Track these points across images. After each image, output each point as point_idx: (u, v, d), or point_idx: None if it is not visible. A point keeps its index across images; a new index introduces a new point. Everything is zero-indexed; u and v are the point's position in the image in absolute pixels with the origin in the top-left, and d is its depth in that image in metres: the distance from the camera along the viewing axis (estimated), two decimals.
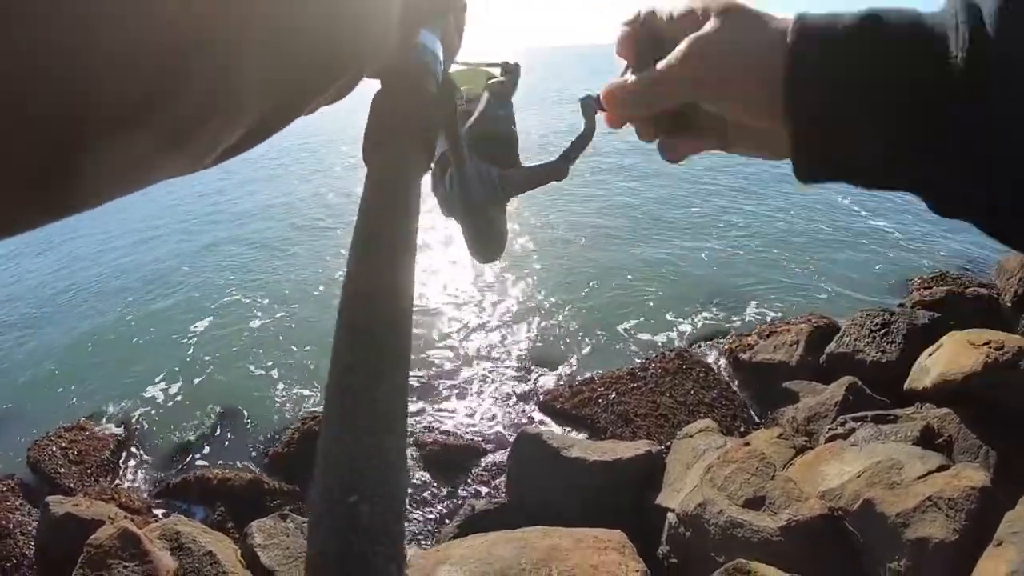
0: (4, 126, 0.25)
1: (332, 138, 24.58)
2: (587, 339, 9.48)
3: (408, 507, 6.31)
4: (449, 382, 8.62)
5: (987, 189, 0.59)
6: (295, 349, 9.83)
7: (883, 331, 6.69)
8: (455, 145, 0.63)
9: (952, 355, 5.56)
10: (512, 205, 0.91)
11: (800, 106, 0.63)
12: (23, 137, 0.26)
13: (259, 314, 10.99)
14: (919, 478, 4.24)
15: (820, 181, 0.67)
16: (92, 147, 0.29)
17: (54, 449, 7.68)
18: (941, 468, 4.31)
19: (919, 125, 0.59)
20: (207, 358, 9.75)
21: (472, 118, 0.91)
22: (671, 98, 0.73)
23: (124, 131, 0.30)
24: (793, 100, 0.63)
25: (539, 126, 25.96)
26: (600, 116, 0.82)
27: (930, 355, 5.88)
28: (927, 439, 4.95)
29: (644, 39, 0.77)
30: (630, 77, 0.77)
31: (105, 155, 0.30)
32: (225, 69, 0.36)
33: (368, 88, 0.63)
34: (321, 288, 11.85)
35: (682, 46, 0.69)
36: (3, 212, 0.29)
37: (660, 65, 0.72)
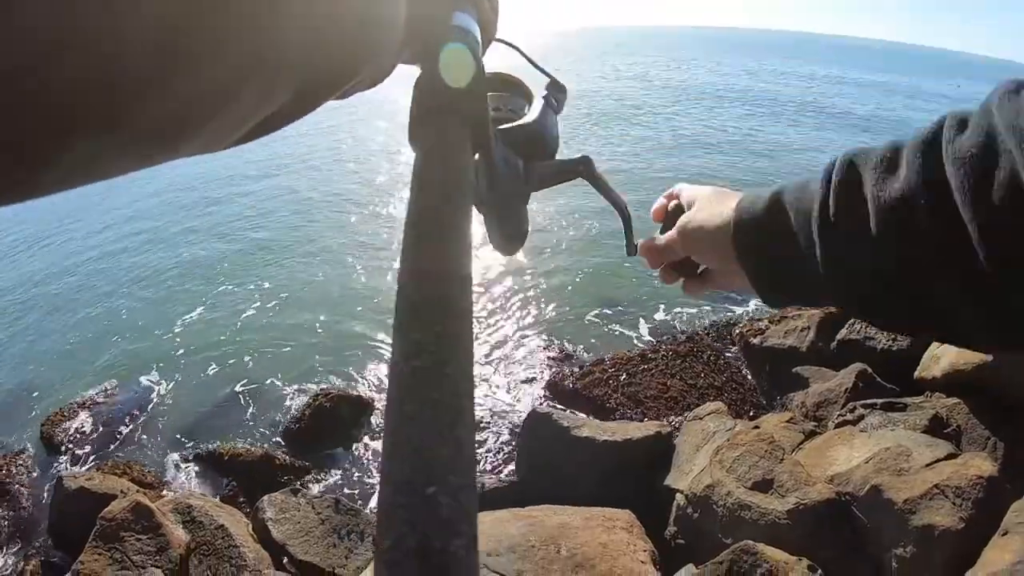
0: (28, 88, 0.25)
1: (340, 123, 24.51)
2: (598, 320, 9.50)
3: None
4: None
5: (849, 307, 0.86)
6: (306, 325, 9.87)
7: None
8: (482, 134, 0.61)
9: None
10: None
11: (745, 265, 0.93)
12: (46, 98, 0.25)
13: (266, 292, 11.02)
14: (927, 466, 4.24)
15: (777, 306, 0.98)
16: (113, 103, 0.29)
17: (67, 424, 7.73)
18: (949, 456, 4.30)
19: (801, 269, 0.86)
20: (218, 335, 9.79)
21: (528, 118, 0.93)
22: (676, 255, 1.10)
23: (152, 91, 0.30)
24: (740, 261, 0.94)
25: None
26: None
27: (941, 344, 5.86)
28: (936, 427, 4.94)
29: (671, 209, 1.14)
30: (658, 236, 1.13)
31: (132, 117, 0.30)
32: (259, 42, 0.36)
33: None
34: (327, 266, 11.89)
35: (676, 225, 1.07)
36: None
37: (667, 234, 1.10)
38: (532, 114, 0.95)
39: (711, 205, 1.00)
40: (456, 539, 0.26)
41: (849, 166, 0.80)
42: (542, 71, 1.11)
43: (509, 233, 0.87)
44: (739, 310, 9.31)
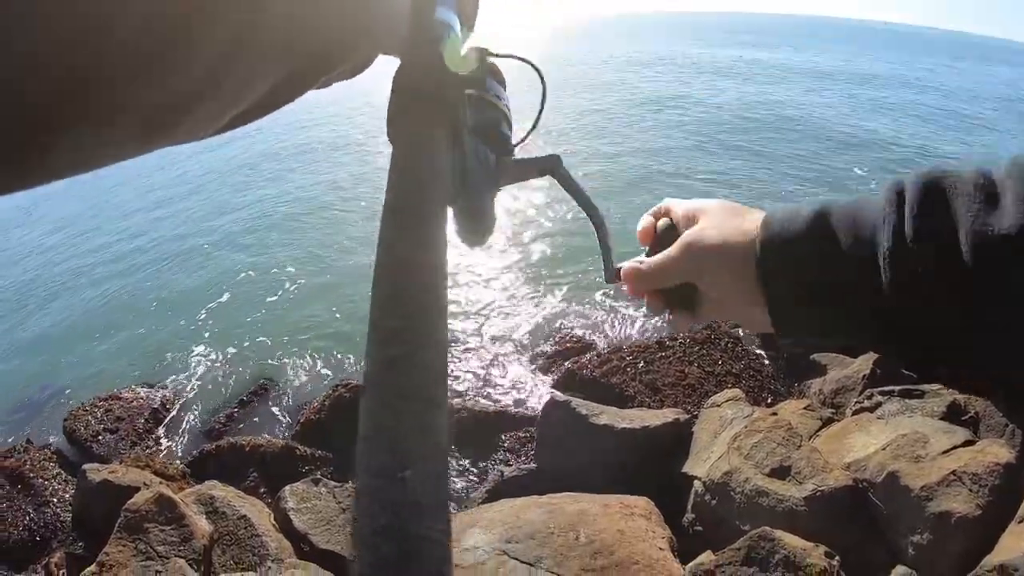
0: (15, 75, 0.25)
1: (352, 109, 24.50)
2: (615, 308, 9.50)
3: None
4: (478, 351, 8.71)
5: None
6: (324, 316, 9.92)
7: None
8: (456, 126, 0.62)
9: None
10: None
11: (771, 292, 0.81)
12: (28, 88, 0.26)
13: (286, 283, 11.10)
14: (944, 452, 4.23)
15: (795, 344, 0.99)
16: (100, 99, 0.29)
17: (90, 419, 7.79)
18: (967, 443, 4.28)
19: (849, 306, 0.76)
20: (237, 328, 9.86)
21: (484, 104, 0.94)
22: (670, 281, 0.93)
23: (135, 86, 0.31)
24: (764, 287, 0.81)
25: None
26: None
27: None
28: (953, 414, 4.92)
29: (661, 228, 0.98)
30: (644, 260, 0.96)
31: (114, 110, 0.31)
32: (240, 34, 0.37)
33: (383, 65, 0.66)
34: (346, 255, 11.93)
35: (679, 242, 0.91)
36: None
37: (663, 254, 0.93)
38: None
39: (726, 220, 0.88)
40: (430, 522, 0.27)
41: (928, 191, 0.70)
42: (532, 65, 1.10)
43: (477, 226, 0.88)
44: None
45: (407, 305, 0.36)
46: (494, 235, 0.91)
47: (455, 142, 0.62)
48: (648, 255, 0.97)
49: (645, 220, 1.01)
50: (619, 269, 1.00)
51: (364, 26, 0.55)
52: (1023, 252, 0.61)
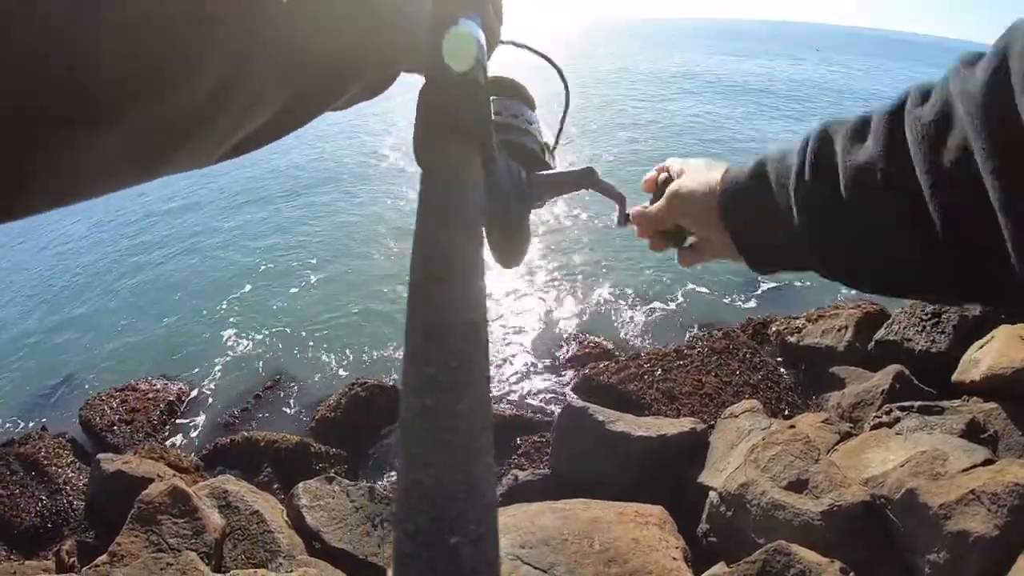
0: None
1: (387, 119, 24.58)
2: (634, 315, 9.49)
3: None
4: (495, 355, 8.64)
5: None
6: (344, 313, 9.93)
7: (934, 321, 6.59)
8: (487, 148, 0.59)
9: (1003, 348, 5.46)
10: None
11: (731, 231, 0.99)
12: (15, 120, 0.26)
13: (304, 278, 11.13)
14: (963, 471, 4.19)
15: (765, 273, 1.03)
16: (95, 130, 0.29)
17: (106, 408, 7.82)
18: (986, 462, 4.25)
19: (783, 234, 0.90)
20: (256, 321, 9.88)
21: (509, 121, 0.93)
22: (665, 224, 1.14)
23: (131, 116, 0.30)
24: (726, 227, 0.99)
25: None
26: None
27: (980, 347, 5.78)
28: (973, 432, 4.88)
29: (661, 180, 1.17)
30: (648, 205, 1.17)
31: (108, 141, 0.30)
32: (241, 55, 0.36)
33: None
34: (366, 252, 11.93)
35: (667, 191, 1.10)
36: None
37: (658, 202, 1.13)
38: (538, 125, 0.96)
39: (699, 174, 1.06)
40: None
41: (823, 136, 0.85)
42: (552, 64, 1.14)
43: (511, 246, 0.86)
44: (776, 307, 9.26)
45: (444, 350, 0.33)
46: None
47: (487, 163, 0.59)
48: (651, 203, 1.17)
49: (649, 174, 1.22)
50: (629, 214, 1.19)
51: (378, 43, 0.53)
52: (874, 176, 0.76)
